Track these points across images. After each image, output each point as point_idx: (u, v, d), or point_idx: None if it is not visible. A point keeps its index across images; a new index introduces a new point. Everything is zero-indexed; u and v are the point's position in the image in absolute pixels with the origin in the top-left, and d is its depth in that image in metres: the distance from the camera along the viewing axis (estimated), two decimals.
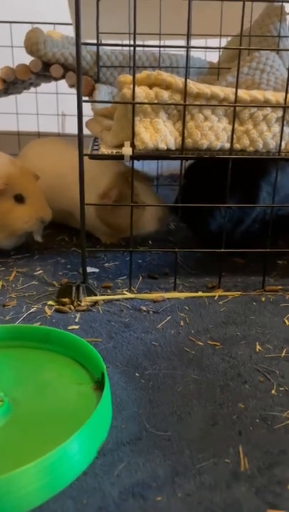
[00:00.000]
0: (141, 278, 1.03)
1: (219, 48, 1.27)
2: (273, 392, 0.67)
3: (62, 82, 1.37)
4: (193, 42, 0.89)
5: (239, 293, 0.97)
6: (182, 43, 1.30)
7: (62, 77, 1.30)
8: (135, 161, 0.91)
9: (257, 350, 0.77)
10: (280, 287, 0.99)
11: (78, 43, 0.80)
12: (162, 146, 0.85)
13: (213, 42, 1.47)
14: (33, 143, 1.43)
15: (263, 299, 0.95)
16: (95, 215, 1.15)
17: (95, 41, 1.26)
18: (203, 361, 0.74)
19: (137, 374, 0.71)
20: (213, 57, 1.56)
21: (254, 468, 0.54)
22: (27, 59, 1.29)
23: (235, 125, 0.87)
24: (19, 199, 1.06)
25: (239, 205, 1.04)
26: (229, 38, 1.47)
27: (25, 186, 1.07)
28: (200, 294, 0.96)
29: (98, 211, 1.14)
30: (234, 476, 0.53)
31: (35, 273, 1.06)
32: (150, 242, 1.25)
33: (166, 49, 1.35)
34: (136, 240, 1.21)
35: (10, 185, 1.05)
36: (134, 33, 0.81)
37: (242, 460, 0.55)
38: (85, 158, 0.87)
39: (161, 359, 0.74)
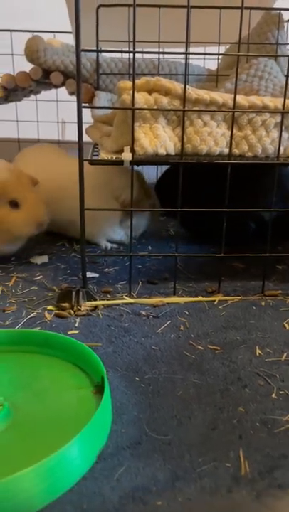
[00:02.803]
0: (140, 283, 1.03)
1: (218, 55, 1.28)
2: (273, 396, 0.67)
3: (63, 90, 1.38)
4: (192, 50, 0.89)
5: (239, 297, 0.97)
6: (181, 50, 1.31)
7: (63, 84, 1.31)
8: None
9: (257, 354, 0.77)
10: (279, 292, 0.99)
11: (78, 50, 0.80)
12: (162, 151, 0.86)
13: (212, 50, 1.49)
14: (25, 151, 1.42)
15: (263, 304, 0.95)
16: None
17: (94, 49, 1.28)
18: (203, 365, 0.74)
19: (136, 378, 0.70)
20: (212, 65, 1.57)
21: (255, 472, 0.54)
22: (27, 67, 1.30)
23: (234, 130, 0.88)
24: (14, 204, 1.06)
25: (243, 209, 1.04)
26: (228, 46, 1.48)
27: (20, 192, 1.07)
28: (200, 298, 0.96)
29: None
30: (235, 480, 0.53)
31: (35, 278, 1.06)
32: (150, 247, 1.25)
33: (166, 56, 1.37)
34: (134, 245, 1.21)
35: (3, 191, 1.05)
36: (134, 40, 0.82)
37: (242, 464, 0.55)
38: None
39: (161, 363, 0.74)
